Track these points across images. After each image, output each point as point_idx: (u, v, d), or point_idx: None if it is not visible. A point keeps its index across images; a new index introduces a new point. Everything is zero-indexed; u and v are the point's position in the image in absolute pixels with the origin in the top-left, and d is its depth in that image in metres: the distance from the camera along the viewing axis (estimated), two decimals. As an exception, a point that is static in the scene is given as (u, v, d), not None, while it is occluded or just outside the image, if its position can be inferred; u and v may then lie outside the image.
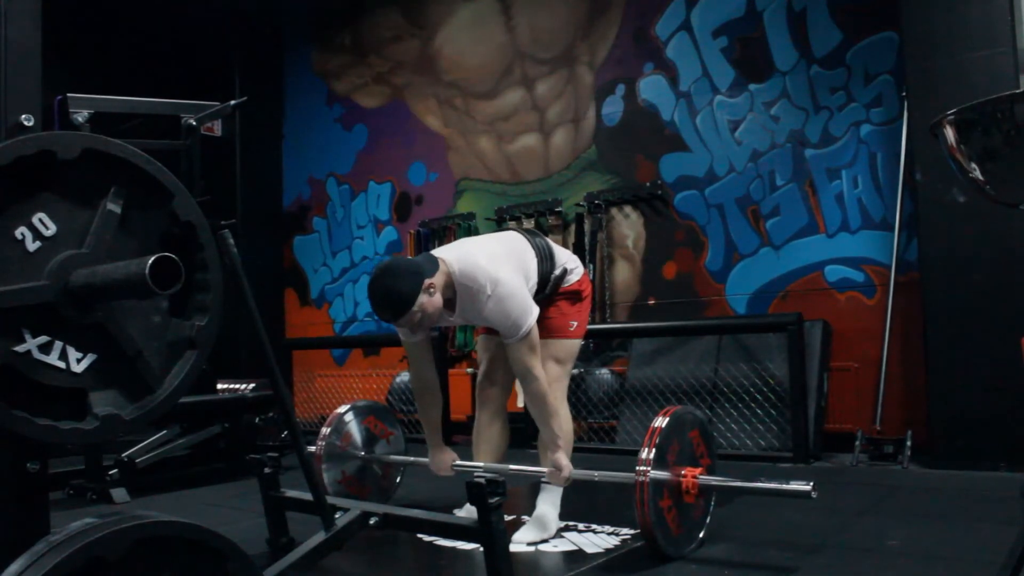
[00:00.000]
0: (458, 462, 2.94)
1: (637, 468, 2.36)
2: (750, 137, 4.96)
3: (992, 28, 3.74)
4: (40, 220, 1.33)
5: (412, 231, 6.41)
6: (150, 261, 1.23)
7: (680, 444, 2.50)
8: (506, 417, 3.01)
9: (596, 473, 2.70)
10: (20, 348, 1.30)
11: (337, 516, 2.17)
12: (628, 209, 5.40)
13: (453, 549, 2.65)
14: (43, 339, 1.32)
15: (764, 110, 4.91)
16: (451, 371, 5.73)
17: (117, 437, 1.48)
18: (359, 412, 3.34)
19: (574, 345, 2.89)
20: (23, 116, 1.47)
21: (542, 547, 2.65)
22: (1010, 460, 3.64)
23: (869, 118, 4.57)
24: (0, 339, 1.27)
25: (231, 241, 1.92)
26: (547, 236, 3.05)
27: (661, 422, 2.47)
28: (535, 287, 2.75)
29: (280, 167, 7.52)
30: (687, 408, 2.62)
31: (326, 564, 2.26)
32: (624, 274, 5.41)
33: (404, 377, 6.06)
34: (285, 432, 4.43)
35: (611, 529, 2.83)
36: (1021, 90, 1.58)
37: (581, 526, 2.89)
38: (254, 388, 4.54)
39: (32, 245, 1.31)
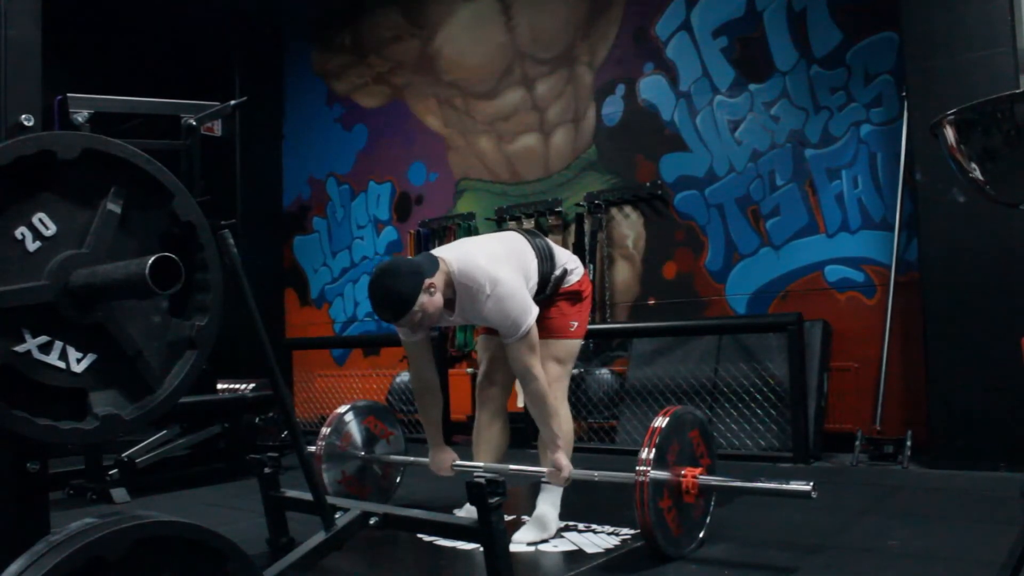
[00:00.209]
0: (458, 462, 2.94)
1: (637, 468, 2.36)
2: (750, 137, 4.96)
3: (992, 28, 3.74)
4: (40, 220, 1.33)
5: (412, 231, 6.41)
6: (150, 261, 1.23)
7: (680, 444, 2.50)
8: (506, 417, 3.02)
9: (596, 473, 2.70)
10: (20, 348, 1.30)
11: (337, 516, 2.17)
12: (628, 209, 5.40)
13: (453, 549, 2.65)
14: (43, 339, 1.32)
15: (764, 110, 4.91)
16: (451, 371, 5.73)
17: (117, 437, 1.48)
18: (359, 412, 3.34)
19: (574, 345, 2.89)
20: (23, 116, 1.47)
21: (542, 547, 2.65)
22: (1010, 460, 3.64)
23: (869, 118, 4.57)
24: (0, 339, 1.28)
25: (231, 241, 1.92)
26: (547, 236, 3.05)
27: (661, 422, 2.47)
28: (535, 287, 2.75)
29: (280, 167, 7.52)
30: (687, 408, 2.62)
31: (326, 564, 2.26)
32: (624, 274, 5.41)
33: (404, 377, 6.06)
34: (285, 432, 4.43)
35: (611, 529, 2.83)
36: (1021, 90, 1.58)
37: (581, 526, 2.89)
38: (254, 388, 4.54)
39: (32, 245, 1.32)
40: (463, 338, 5.94)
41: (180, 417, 4.26)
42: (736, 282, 4.98)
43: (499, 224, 5.89)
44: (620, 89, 5.48)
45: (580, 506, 3.09)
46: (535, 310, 2.62)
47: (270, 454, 2.50)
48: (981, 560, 2.27)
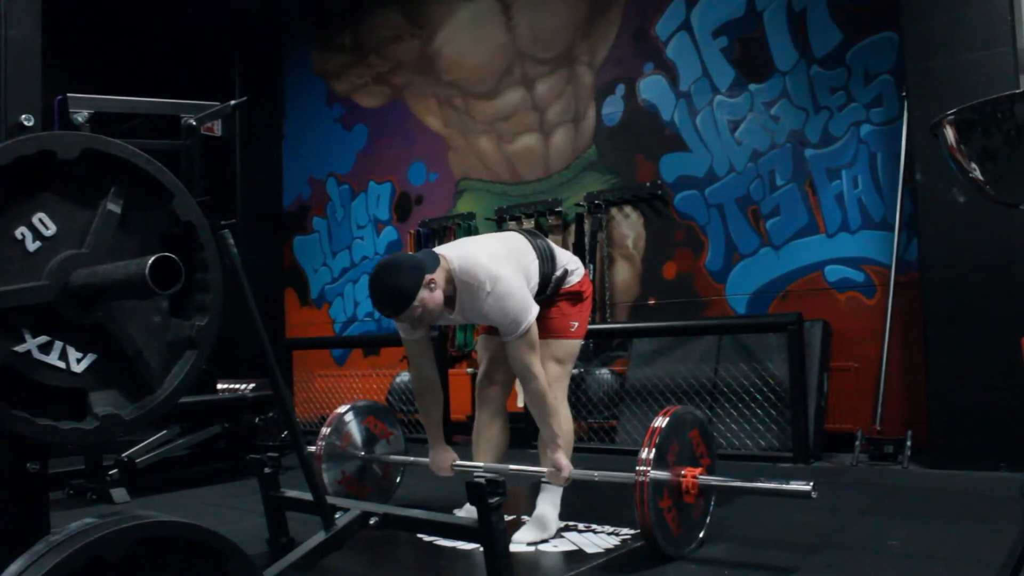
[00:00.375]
0: (458, 462, 2.94)
1: (637, 468, 2.36)
2: (750, 137, 4.96)
3: (992, 28, 3.74)
4: (40, 220, 1.33)
5: (412, 231, 6.41)
6: (150, 261, 1.23)
7: (680, 444, 2.50)
8: (506, 417, 3.01)
9: (596, 473, 2.70)
10: (20, 348, 1.30)
11: (337, 516, 2.17)
12: (628, 209, 5.40)
13: (453, 549, 2.65)
14: (43, 339, 1.32)
15: (764, 110, 4.91)
16: (451, 371, 5.73)
17: (117, 437, 1.48)
18: (359, 412, 3.34)
19: (574, 345, 2.89)
20: (23, 116, 1.47)
21: (542, 547, 2.65)
22: (1010, 460, 3.64)
23: (869, 118, 4.57)
24: (0, 339, 1.28)
25: (231, 241, 1.92)
26: (547, 236, 3.05)
27: (661, 422, 2.47)
28: (536, 288, 2.75)
29: (280, 167, 7.52)
30: (687, 408, 2.62)
31: (326, 564, 2.26)
32: (624, 274, 5.41)
33: (404, 377, 6.06)
34: (285, 432, 4.43)
35: (611, 529, 2.83)
36: (1021, 90, 1.58)
37: (581, 526, 2.89)
38: (254, 388, 4.54)
39: (32, 245, 1.32)
40: (463, 338, 5.94)
41: (180, 417, 4.26)
42: (736, 282, 4.98)
43: (499, 224, 5.88)
44: (620, 89, 5.48)
45: (580, 506, 3.09)
46: (535, 309, 2.62)
47: (270, 454, 2.50)
48: (981, 560, 2.27)
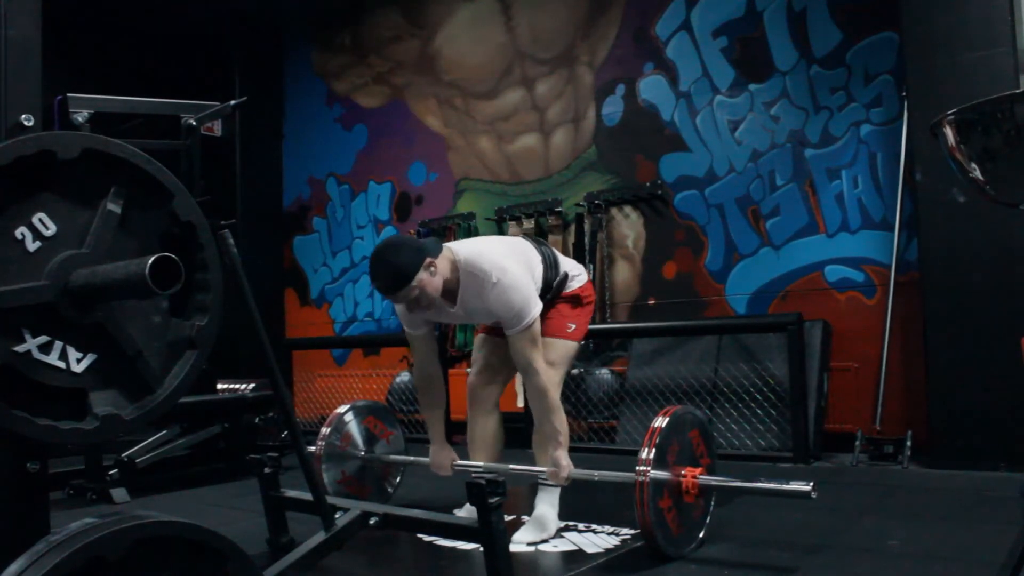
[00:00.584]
0: (458, 461, 2.94)
1: (637, 468, 2.36)
2: (750, 137, 4.96)
3: (992, 28, 3.74)
4: (40, 220, 1.33)
5: (412, 231, 6.41)
6: (150, 261, 1.23)
7: (680, 444, 2.50)
8: (500, 414, 3.00)
9: (596, 473, 2.70)
10: (20, 348, 1.30)
11: (337, 516, 2.17)
12: (628, 209, 5.40)
13: (453, 549, 2.65)
14: (43, 339, 1.32)
15: (764, 110, 4.91)
16: (451, 371, 5.73)
17: (117, 437, 1.48)
18: (359, 412, 3.34)
19: (570, 347, 2.87)
20: (23, 116, 1.47)
21: (542, 547, 2.65)
22: (1010, 460, 3.64)
23: (869, 118, 4.57)
24: (0, 339, 1.27)
25: (231, 241, 1.92)
26: (547, 236, 3.06)
27: (661, 422, 2.47)
28: (539, 290, 2.75)
29: (280, 167, 7.52)
30: (687, 408, 2.62)
31: (326, 564, 2.26)
32: (624, 274, 5.41)
33: (404, 377, 6.06)
34: (285, 432, 4.43)
35: (611, 529, 2.83)
36: (1021, 90, 1.58)
37: (581, 526, 2.89)
38: (254, 388, 4.54)
39: (32, 245, 1.32)
40: (463, 338, 5.93)
41: (180, 417, 4.25)
42: (736, 282, 4.98)
43: (499, 224, 5.88)
44: (620, 89, 5.48)
45: (580, 506, 3.09)
46: (539, 305, 2.63)
47: (270, 454, 2.50)
48: (981, 560, 2.27)
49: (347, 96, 7.10)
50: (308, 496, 2.14)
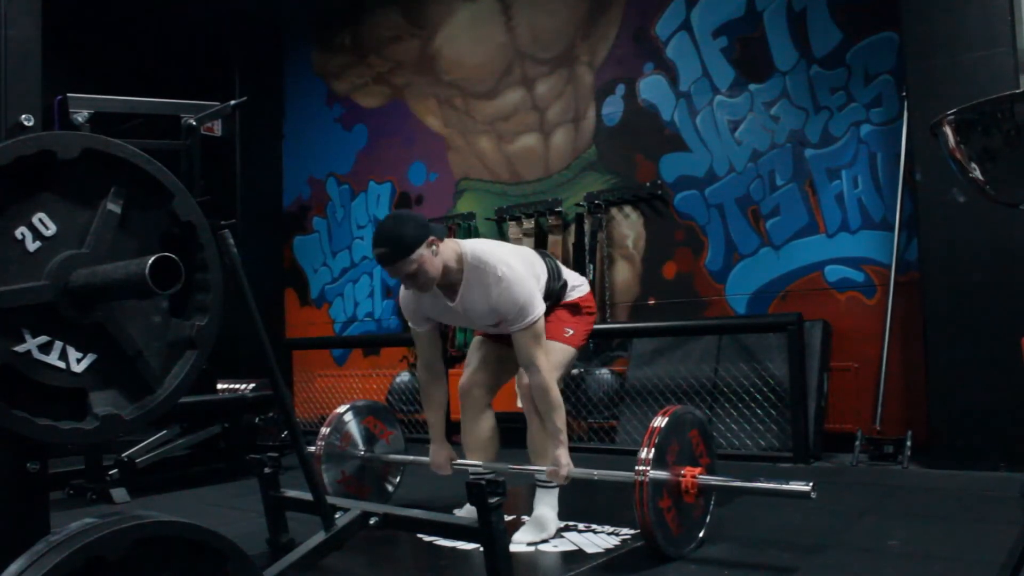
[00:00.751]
0: (457, 460, 2.94)
1: (637, 468, 2.36)
2: (750, 137, 4.96)
3: (992, 28, 3.74)
4: (40, 220, 1.33)
5: (412, 231, 6.40)
6: (150, 261, 1.23)
7: (680, 444, 2.50)
8: (493, 415, 2.99)
9: (596, 473, 2.70)
10: (20, 348, 1.30)
11: (337, 516, 2.17)
12: (628, 209, 5.40)
13: (453, 549, 2.65)
14: (43, 339, 1.32)
15: (764, 110, 4.91)
16: (451, 371, 5.72)
17: (117, 437, 1.48)
18: (359, 412, 3.34)
19: (567, 351, 2.87)
20: (23, 116, 1.47)
21: (542, 547, 2.65)
22: (1010, 460, 3.64)
23: (869, 118, 4.57)
24: (0, 339, 1.28)
25: (231, 241, 1.93)
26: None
27: (660, 422, 2.47)
28: (542, 295, 2.76)
29: (280, 167, 7.52)
30: (687, 408, 2.62)
31: (326, 564, 2.26)
32: (624, 274, 5.41)
33: (404, 377, 6.06)
34: (285, 432, 4.43)
35: (611, 529, 2.83)
36: (1021, 90, 1.58)
37: (581, 526, 2.89)
38: (254, 388, 4.54)
39: (32, 245, 1.32)
40: (463, 338, 5.93)
41: (180, 417, 4.26)
42: (736, 282, 4.98)
43: (499, 224, 5.88)
44: (620, 89, 5.48)
45: (580, 506, 3.09)
46: (543, 305, 2.66)
47: (270, 454, 2.51)
48: (981, 560, 2.27)
49: (347, 96, 7.10)
50: (308, 496, 2.14)
